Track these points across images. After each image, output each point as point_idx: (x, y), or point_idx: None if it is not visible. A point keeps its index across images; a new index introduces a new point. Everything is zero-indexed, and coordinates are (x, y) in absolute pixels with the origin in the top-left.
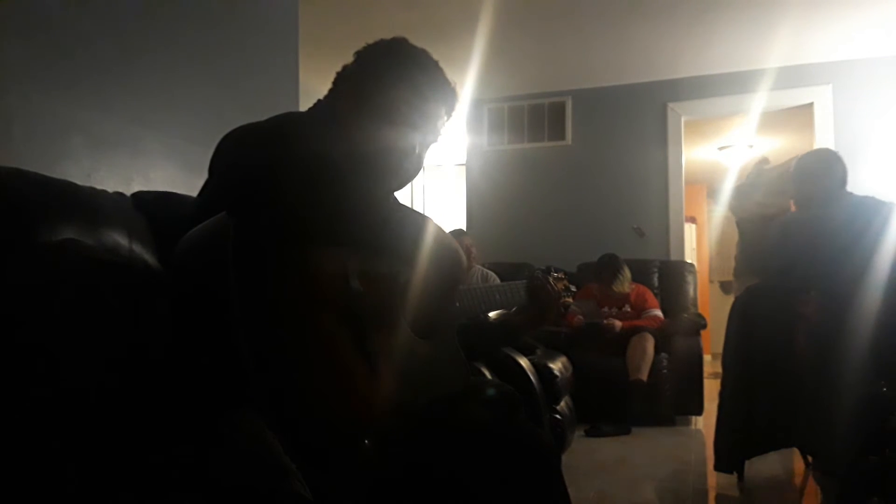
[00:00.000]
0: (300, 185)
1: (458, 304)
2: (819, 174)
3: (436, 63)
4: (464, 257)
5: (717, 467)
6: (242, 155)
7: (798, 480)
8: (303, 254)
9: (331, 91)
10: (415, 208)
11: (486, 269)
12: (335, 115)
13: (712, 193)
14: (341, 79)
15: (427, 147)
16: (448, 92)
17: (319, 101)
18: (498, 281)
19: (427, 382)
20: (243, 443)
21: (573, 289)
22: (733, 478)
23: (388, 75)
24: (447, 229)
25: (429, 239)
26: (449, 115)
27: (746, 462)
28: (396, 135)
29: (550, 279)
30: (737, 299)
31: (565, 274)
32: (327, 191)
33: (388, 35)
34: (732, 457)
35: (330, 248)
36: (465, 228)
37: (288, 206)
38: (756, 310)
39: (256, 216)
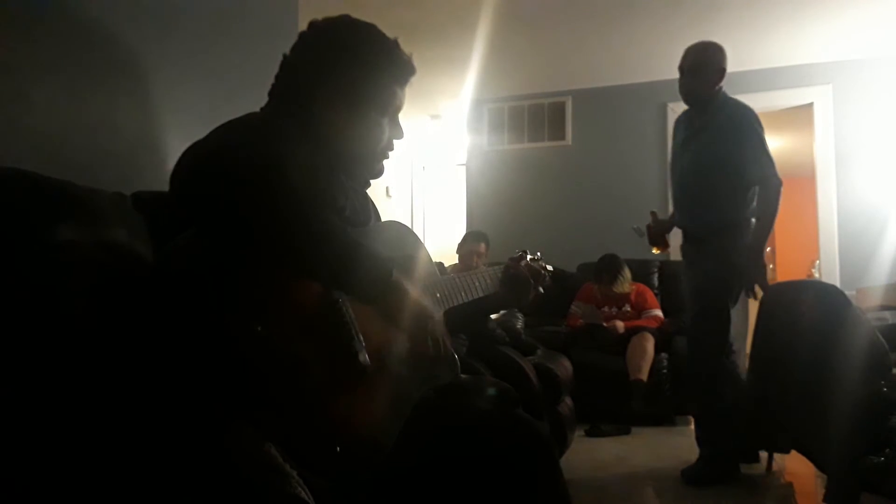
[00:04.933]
0: (262, 217)
1: (438, 295)
2: (699, 69)
3: (392, 39)
4: (432, 316)
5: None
6: (202, 184)
7: (804, 482)
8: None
9: (282, 81)
10: (408, 222)
11: (486, 268)
12: (300, 117)
13: None
14: (293, 68)
15: (395, 125)
16: (408, 69)
17: (274, 92)
18: None
19: (418, 378)
20: (242, 448)
21: (550, 268)
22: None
23: (351, 66)
24: (449, 230)
25: (393, 288)
26: (404, 86)
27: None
28: (367, 131)
29: (524, 262)
30: (763, 296)
31: (540, 257)
32: (289, 225)
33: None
34: (752, 449)
35: None
36: (483, 231)
37: (250, 238)
38: (773, 307)
39: (223, 241)
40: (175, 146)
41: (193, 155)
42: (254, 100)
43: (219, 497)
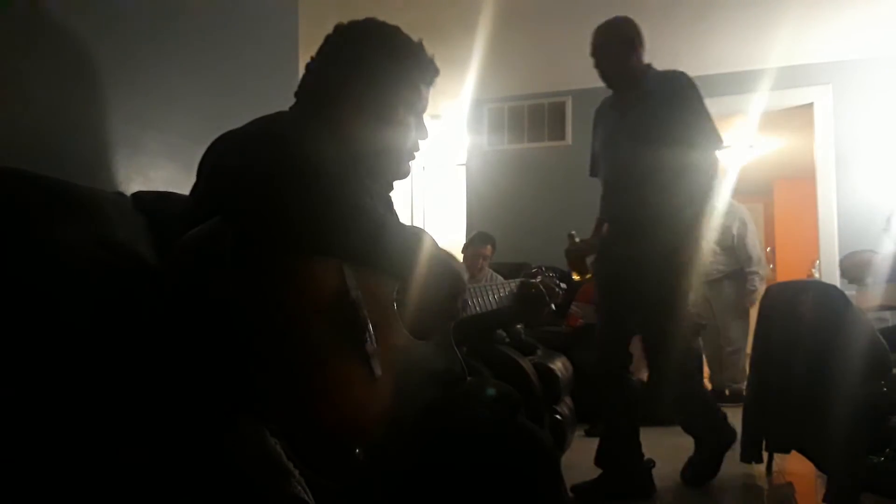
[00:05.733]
0: (294, 194)
1: None
2: (603, 47)
3: (416, 41)
4: (464, 279)
5: (740, 458)
6: (237, 161)
7: (804, 482)
8: (301, 260)
9: (310, 83)
10: (409, 221)
11: (494, 273)
12: (328, 117)
13: None
14: (321, 70)
15: (421, 126)
16: (432, 69)
17: (302, 94)
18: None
19: (425, 383)
20: (244, 445)
21: (563, 286)
22: (732, 478)
23: (379, 67)
24: (449, 230)
25: (425, 256)
26: (429, 86)
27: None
28: (394, 131)
29: (539, 280)
30: (764, 296)
31: (554, 273)
32: (321, 201)
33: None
34: (753, 448)
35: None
36: (490, 233)
37: (282, 215)
38: (772, 307)
39: (252, 223)
40: (176, 146)
41: (226, 143)
42: (254, 99)
43: (219, 496)
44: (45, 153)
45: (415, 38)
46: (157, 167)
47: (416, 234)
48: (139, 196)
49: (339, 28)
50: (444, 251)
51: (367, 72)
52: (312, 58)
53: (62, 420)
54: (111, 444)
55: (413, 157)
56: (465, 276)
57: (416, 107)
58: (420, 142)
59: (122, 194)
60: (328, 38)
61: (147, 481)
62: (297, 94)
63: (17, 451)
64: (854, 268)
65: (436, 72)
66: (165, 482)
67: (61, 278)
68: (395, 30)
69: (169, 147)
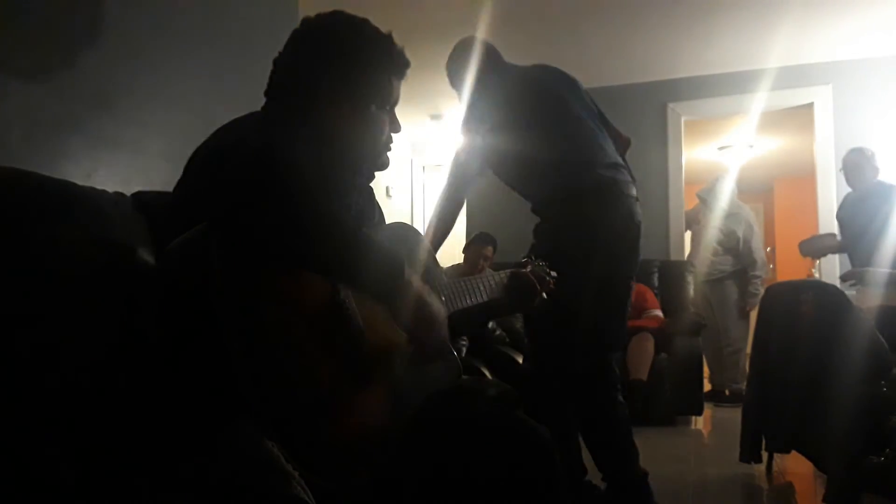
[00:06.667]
0: (267, 212)
1: (443, 298)
2: (451, 73)
3: (385, 33)
4: (442, 319)
5: (739, 458)
6: (215, 175)
7: (804, 482)
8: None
9: (280, 79)
10: (409, 221)
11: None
12: (302, 115)
13: None
14: (289, 66)
15: (394, 119)
16: (402, 61)
17: (273, 92)
18: None
19: (421, 379)
20: (244, 448)
21: (553, 274)
22: (732, 478)
23: (348, 60)
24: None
25: (401, 289)
26: (401, 79)
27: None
28: (367, 124)
29: (530, 268)
30: (763, 296)
31: (545, 263)
32: (306, 215)
33: None
34: (753, 448)
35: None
36: (491, 234)
37: (258, 233)
38: (772, 307)
39: (231, 236)
40: (175, 146)
41: (203, 157)
42: (256, 99)
43: (218, 497)
44: (44, 153)
45: (384, 30)
46: (157, 167)
47: (396, 261)
48: (139, 196)
49: (306, 21)
50: (425, 287)
51: (337, 65)
52: (280, 53)
53: (58, 420)
54: (109, 445)
55: (389, 149)
56: (443, 316)
57: (388, 99)
58: (393, 134)
59: (122, 194)
60: (295, 33)
61: (145, 483)
62: (267, 93)
63: (13, 450)
64: (815, 252)
65: (406, 63)
66: (164, 484)
67: (60, 279)
68: (364, 22)
69: (170, 148)
